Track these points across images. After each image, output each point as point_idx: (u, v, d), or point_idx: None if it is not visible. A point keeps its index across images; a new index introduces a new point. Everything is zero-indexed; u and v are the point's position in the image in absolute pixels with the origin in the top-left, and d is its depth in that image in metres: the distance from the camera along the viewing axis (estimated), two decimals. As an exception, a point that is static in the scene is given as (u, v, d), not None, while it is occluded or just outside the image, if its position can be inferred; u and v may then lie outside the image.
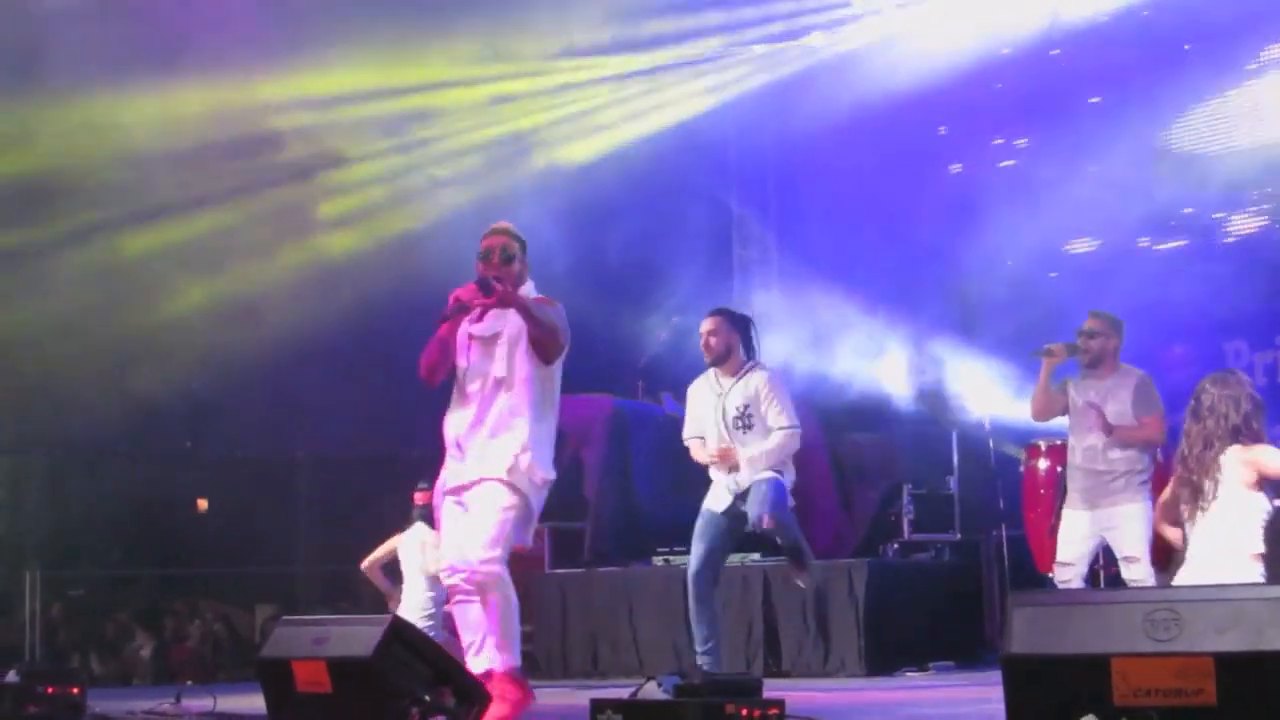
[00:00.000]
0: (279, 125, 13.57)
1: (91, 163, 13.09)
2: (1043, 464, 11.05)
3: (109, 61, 12.37)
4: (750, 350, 9.46)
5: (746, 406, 9.25)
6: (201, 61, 12.65)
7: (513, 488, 7.14)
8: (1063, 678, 4.69)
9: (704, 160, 14.41)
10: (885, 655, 10.91)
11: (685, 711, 5.21)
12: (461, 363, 7.37)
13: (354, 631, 6.87)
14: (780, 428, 9.19)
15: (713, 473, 9.41)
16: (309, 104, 13.39)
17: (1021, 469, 11.37)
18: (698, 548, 9.33)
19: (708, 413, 9.39)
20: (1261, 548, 7.04)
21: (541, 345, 7.20)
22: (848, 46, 14.04)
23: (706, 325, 9.47)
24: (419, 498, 10.83)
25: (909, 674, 10.75)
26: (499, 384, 7.26)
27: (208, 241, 13.72)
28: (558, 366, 7.33)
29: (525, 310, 7.16)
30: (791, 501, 9.57)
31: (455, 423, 7.32)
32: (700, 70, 14.31)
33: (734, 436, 9.26)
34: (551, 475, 7.31)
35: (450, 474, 7.33)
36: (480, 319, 7.37)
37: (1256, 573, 7.00)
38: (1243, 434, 7.15)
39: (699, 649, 9.23)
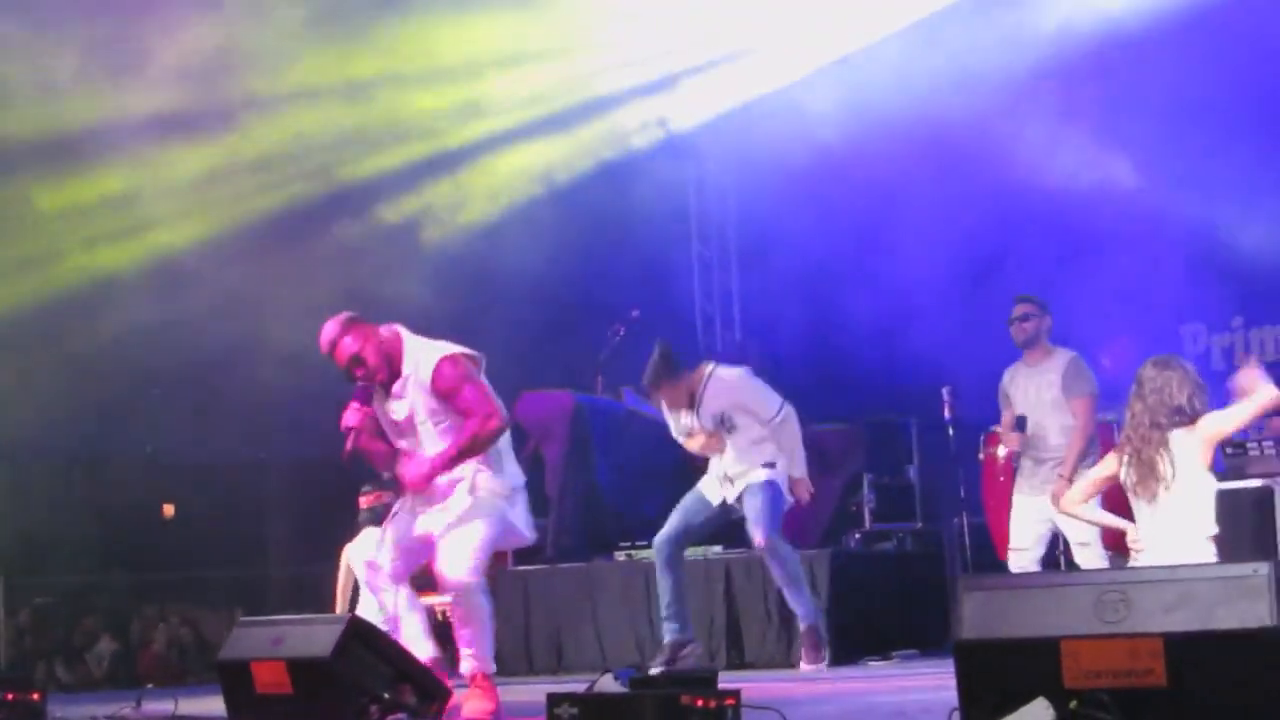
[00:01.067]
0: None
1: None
2: (1001, 451, 11.07)
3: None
4: (692, 357, 9.65)
5: (723, 412, 9.40)
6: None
7: (497, 507, 7.36)
8: (1014, 661, 4.74)
9: (660, 153, 14.39)
10: (849, 645, 10.90)
11: (640, 704, 5.23)
12: (396, 442, 7.53)
13: (312, 631, 6.91)
14: (770, 419, 9.33)
15: (711, 471, 9.58)
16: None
17: (980, 456, 11.42)
18: (674, 519, 9.53)
19: (683, 422, 9.58)
20: (1215, 529, 7.08)
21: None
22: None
23: (663, 400, 9.85)
24: (364, 501, 10.82)
25: (872, 663, 10.77)
26: (443, 434, 7.41)
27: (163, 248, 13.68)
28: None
29: (446, 466, 7.30)
30: (790, 500, 9.69)
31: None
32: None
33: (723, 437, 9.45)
34: (515, 481, 7.51)
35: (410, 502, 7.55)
36: (388, 395, 7.47)
37: (1212, 555, 7.03)
38: (1185, 414, 7.18)
39: (663, 614, 9.34)
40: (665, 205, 14.34)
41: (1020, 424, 9.37)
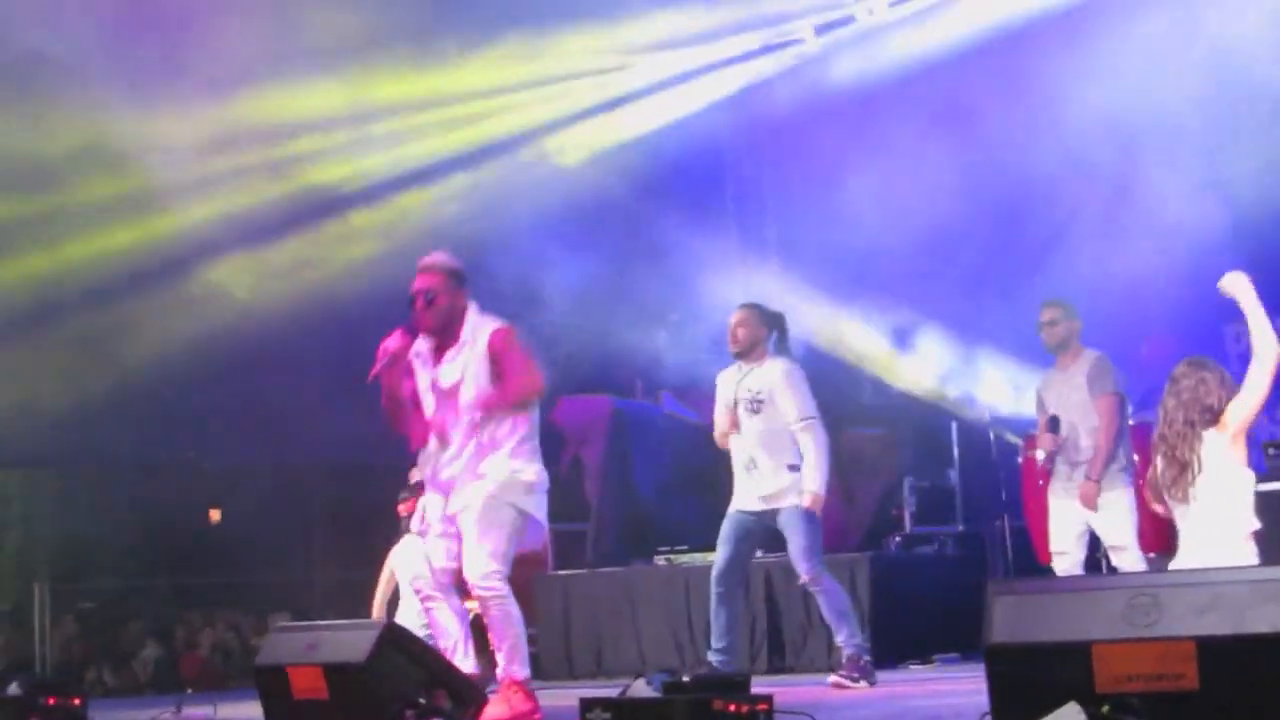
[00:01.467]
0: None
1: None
2: (1040, 455, 11.04)
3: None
4: (782, 348, 9.54)
5: (759, 392, 9.34)
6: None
7: (517, 502, 7.31)
8: (1045, 666, 4.70)
9: (697, 161, 14.40)
10: (889, 649, 10.88)
11: (673, 708, 5.22)
12: (431, 414, 7.49)
13: (347, 637, 6.93)
14: (800, 419, 9.27)
15: (736, 473, 9.48)
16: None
17: (1020, 460, 11.38)
18: (723, 550, 9.42)
19: (725, 398, 9.51)
20: (1256, 525, 7.01)
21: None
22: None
23: (735, 318, 9.59)
24: (403, 509, 10.83)
25: (913, 667, 10.74)
26: (473, 427, 7.40)
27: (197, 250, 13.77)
28: None
29: (495, 408, 7.31)
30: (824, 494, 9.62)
31: (434, 458, 7.47)
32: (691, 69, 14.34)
33: (742, 419, 9.34)
34: (540, 477, 7.43)
35: (432, 504, 7.52)
36: (438, 361, 7.49)
37: (1252, 553, 6.97)
38: (1216, 413, 7.13)
39: (714, 646, 9.29)
40: (701, 205, 14.33)
41: (1054, 424, 9.30)
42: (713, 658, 9.22)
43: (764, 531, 9.46)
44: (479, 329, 7.43)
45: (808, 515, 9.20)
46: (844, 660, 9.20)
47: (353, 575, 14.89)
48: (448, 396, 7.42)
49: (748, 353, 9.48)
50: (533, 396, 7.37)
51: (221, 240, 13.66)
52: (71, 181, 13.10)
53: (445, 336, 7.45)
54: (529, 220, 13.61)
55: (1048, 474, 9.37)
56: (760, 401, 9.33)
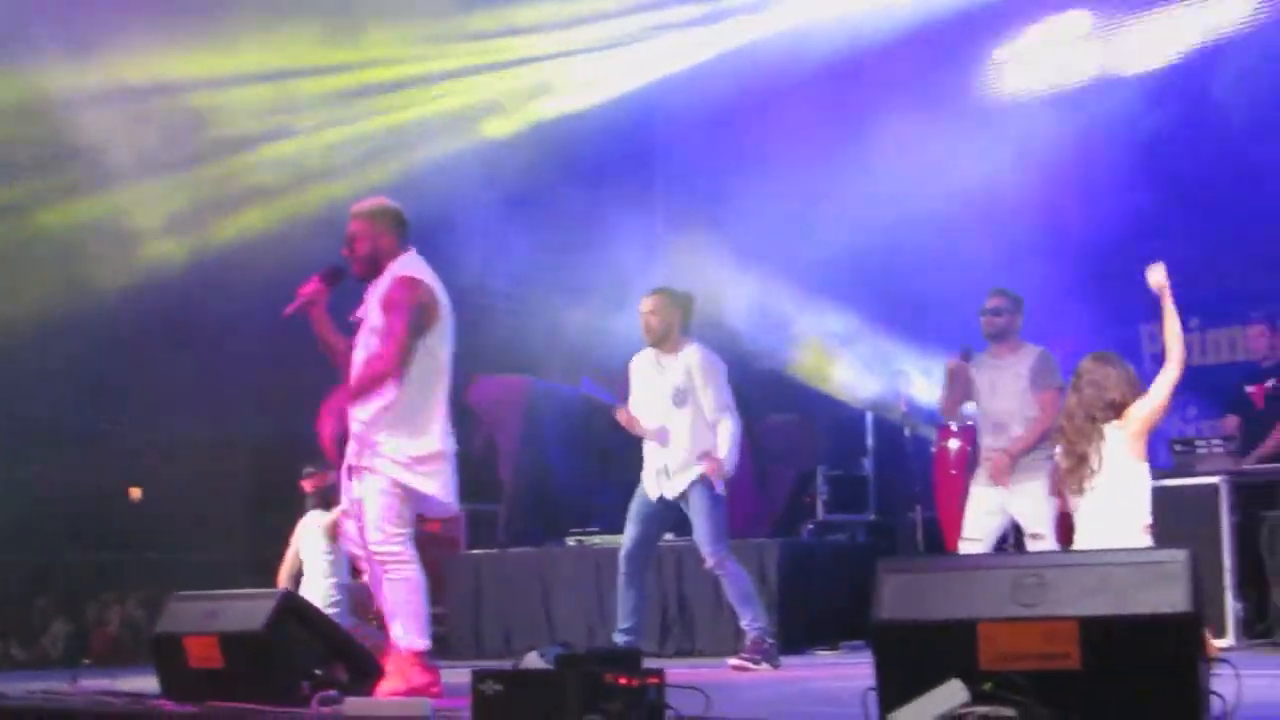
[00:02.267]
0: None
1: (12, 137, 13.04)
2: (954, 444, 11.13)
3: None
4: (687, 327, 9.53)
5: (680, 385, 9.34)
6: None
7: (395, 475, 7.14)
8: (930, 643, 4.74)
9: (626, 142, 14.39)
10: (797, 634, 10.93)
11: (563, 681, 5.21)
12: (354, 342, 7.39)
13: (246, 606, 6.88)
14: (716, 410, 9.27)
15: (646, 454, 9.48)
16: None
17: (933, 450, 11.44)
18: (631, 530, 9.43)
19: (649, 390, 9.47)
20: (1149, 519, 7.09)
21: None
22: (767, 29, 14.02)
23: (646, 305, 9.54)
24: (308, 485, 10.78)
25: (819, 652, 10.78)
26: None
27: (123, 219, 13.64)
28: (432, 339, 7.23)
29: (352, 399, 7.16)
30: (722, 488, 9.63)
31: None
32: (621, 50, 14.32)
33: (671, 414, 9.34)
34: (433, 448, 7.21)
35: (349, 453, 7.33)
36: (361, 303, 7.40)
37: (1147, 545, 7.03)
38: (1117, 408, 7.21)
39: (620, 626, 9.30)
40: (627, 188, 14.33)
41: (966, 354, 9.35)
42: (618, 638, 9.22)
43: (672, 514, 9.48)
44: (395, 272, 7.26)
45: (714, 499, 9.21)
46: (747, 643, 9.23)
47: (274, 554, 14.81)
48: (359, 329, 7.34)
49: (662, 341, 9.48)
50: (375, 379, 7.12)
51: (143, 207, 13.56)
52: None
53: (371, 279, 7.33)
54: (456, 200, 13.62)
55: (963, 465, 9.42)
56: (683, 393, 9.35)
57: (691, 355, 9.40)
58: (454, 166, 13.80)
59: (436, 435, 7.20)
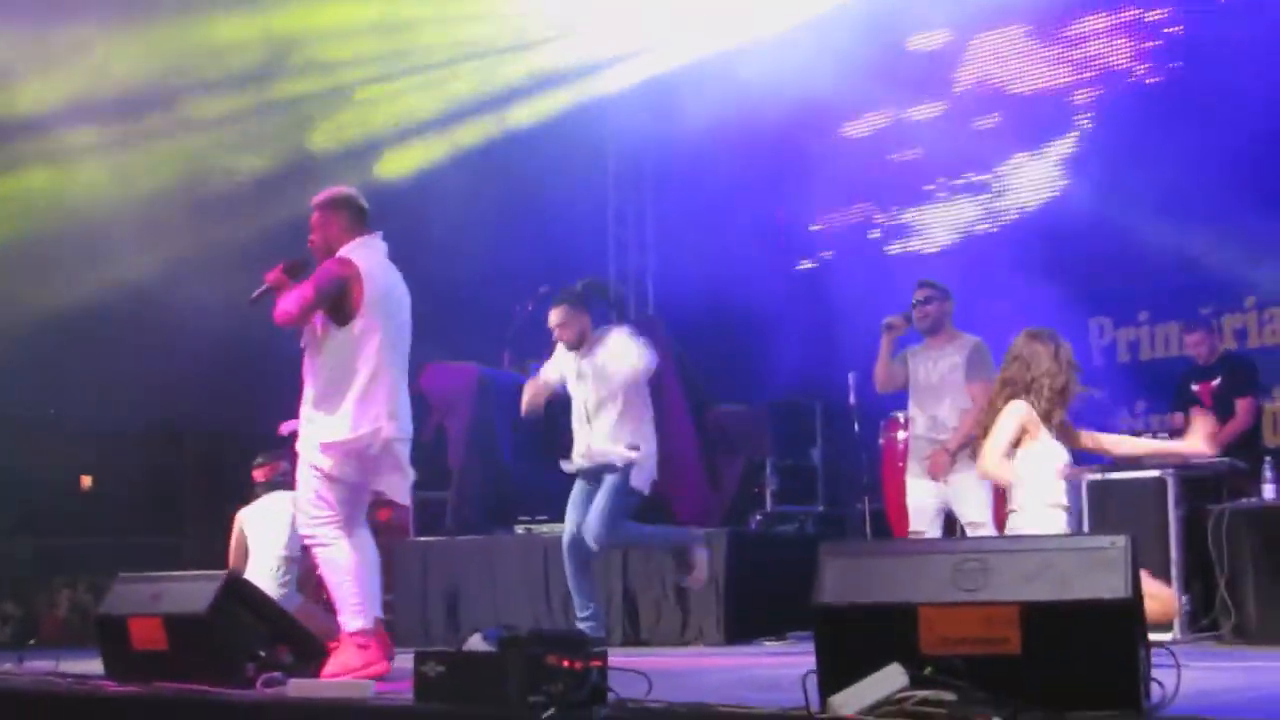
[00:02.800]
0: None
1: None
2: (901, 436, 11.13)
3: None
4: (604, 318, 9.58)
5: (600, 385, 9.40)
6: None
7: (311, 460, 7.25)
8: (872, 627, 4.77)
9: (580, 143, 14.40)
10: (744, 625, 10.93)
11: (506, 662, 5.22)
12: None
13: (190, 588, 6.89)
14: (619, 371, 9.32)
15: (577, 440, 9.54)
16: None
17: (881, 441, 11.48)
18: (571, 515, 9.46)
19: (575, 389, 9.52)
20: (1062, 499, 7.12)
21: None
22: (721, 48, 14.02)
23: (554, 318, 9.59)
24: (259, 474, 10.76)
25: (767, 643, 10.80)
26: (306, 354, 7.40)
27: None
28: (358, 325, 7.26)
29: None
30: (655, 475, 9.64)
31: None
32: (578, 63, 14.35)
33: (596, 413, 9.38)
34: (341, 435, 7.22)
35: None
36: None
37: (1060, 522, 7.06)
38: (1030, 392, 7.26)
39: (579, 615, 9.33)
40: (580, 179, 14.32)
41: (908, 317, 9.44)
42: (582, 626, 9.25)
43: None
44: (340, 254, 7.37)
45: (618, 480, 9.27)
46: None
47: (225, 543, 14.75)
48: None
49: (580, 346, 9.54)
50: (283, 318, 7.24)
51: (96, 190, 13.52)
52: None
53: None
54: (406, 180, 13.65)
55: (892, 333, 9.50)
56: (602, 394, 9.42)
57: (606, 349, 9.45)
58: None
59: (350, 421, 7.19)
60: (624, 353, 9.40)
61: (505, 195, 13.83)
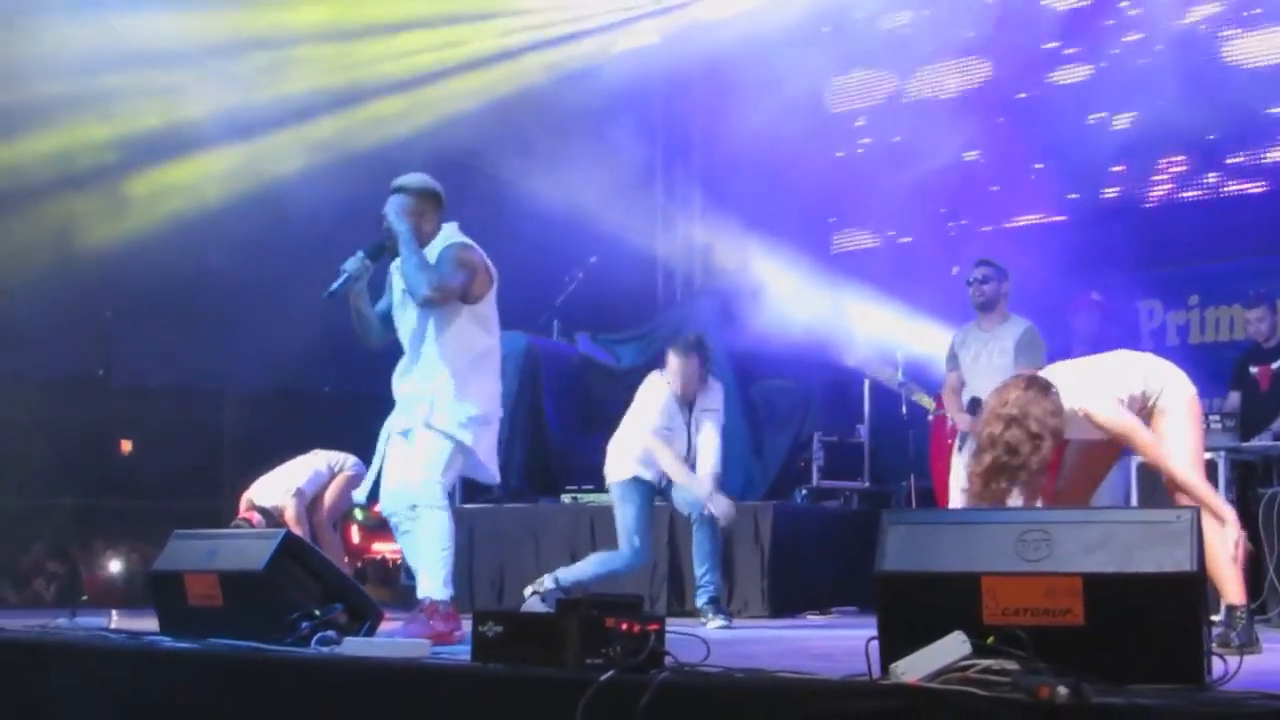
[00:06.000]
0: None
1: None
2: (940, 414, 11.14)
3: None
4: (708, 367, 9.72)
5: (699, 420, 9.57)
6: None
7: (436, 431, 7.41)
8: (933, 595, 4.76)
9: (627, 101, 14.37)
10: (788, 598, 10.98)
11: (564, 624, 5.23)
12: (397, 319, 7.69)
13: (246, 545, 6.94)
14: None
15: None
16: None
17: (930, 419, 11.47)
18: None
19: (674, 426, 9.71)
20: None
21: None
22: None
23: (684, 367, 9.62)
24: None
25: (811, 616, 10.82)
26: (416, 336, 7.54)
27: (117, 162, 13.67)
28: (483, 306, 7.58)
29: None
30: None
31: (397, 371, 7.66)
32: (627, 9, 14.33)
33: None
34: (482, 409, 7.56)
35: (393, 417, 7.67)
36: None
37: None
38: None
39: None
40: (630, 151, 14.32)
41: (973, 406, 9.36)
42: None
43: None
44: (445, 242, 7.54)
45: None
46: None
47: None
48: (405, 300, 7.60)
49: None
50: (429, 290, 7.34)
51: (140, 151, 13.57)
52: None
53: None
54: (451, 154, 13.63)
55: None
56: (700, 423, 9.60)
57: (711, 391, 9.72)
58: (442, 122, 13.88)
59: (489, 395, 7.76)
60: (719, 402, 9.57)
61: (554, 158, 13.82)
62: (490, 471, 7.77)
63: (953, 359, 9.85)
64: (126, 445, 18.13)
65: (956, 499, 9.36)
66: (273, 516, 11.74)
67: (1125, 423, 6.57)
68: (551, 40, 14.41)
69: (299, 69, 13.66)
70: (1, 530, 16.71)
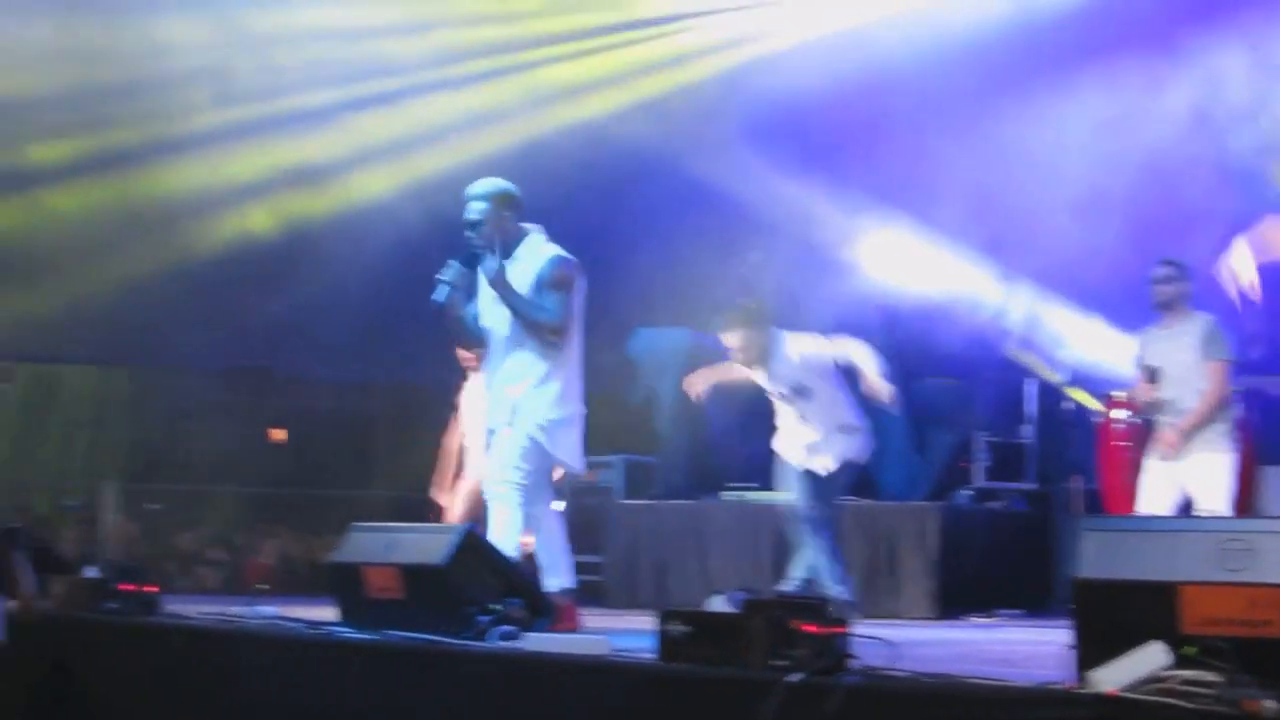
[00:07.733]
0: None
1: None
2: (1120, 415, 10.96)
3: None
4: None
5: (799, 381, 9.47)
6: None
7: (526, 430, 7.78)
8: (1131, 604, 4.69)
9: (789, 103, 14.32)
10: (954, 599, 10.89)
11: (750, 625, 5.23)
12: (485, 320, 8.01)
13: (427, 539, 7.02)
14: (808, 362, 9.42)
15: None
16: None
17: (1098, 420, 11.31)
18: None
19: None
20: None
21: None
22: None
23: (732, 341, 9.59)
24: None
25: (975, 619, 10.73)
26: (505, 336, 7.87)
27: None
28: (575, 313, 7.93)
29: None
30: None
31: (485, 369, 8.12)
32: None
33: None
34: (564, 411, 7.86)
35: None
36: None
37: None
38: None
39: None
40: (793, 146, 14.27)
41: (1152, 375, 9.18)
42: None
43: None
44: (538, 251, 7.86)
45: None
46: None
47: (414, 495, 14.94)
48: (496, 303, 7.87)
49: (762, 362, 9.53)
50: (551, 336, 7.78)
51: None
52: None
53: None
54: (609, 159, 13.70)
55: (1140, 428, 9.28)
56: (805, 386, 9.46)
57: (787, 349, 9.56)
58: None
59: (578, 393, 8.09)
60: (802, 346, 9.42)
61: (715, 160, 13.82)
62: (575, 467, 8.07)
63: (1145, 370, 9.52)
64: (279, 434, 18.38)
65: (1149, 500, 9.15)
66: None
67: None
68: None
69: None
70: (165, 516, 17.01)
